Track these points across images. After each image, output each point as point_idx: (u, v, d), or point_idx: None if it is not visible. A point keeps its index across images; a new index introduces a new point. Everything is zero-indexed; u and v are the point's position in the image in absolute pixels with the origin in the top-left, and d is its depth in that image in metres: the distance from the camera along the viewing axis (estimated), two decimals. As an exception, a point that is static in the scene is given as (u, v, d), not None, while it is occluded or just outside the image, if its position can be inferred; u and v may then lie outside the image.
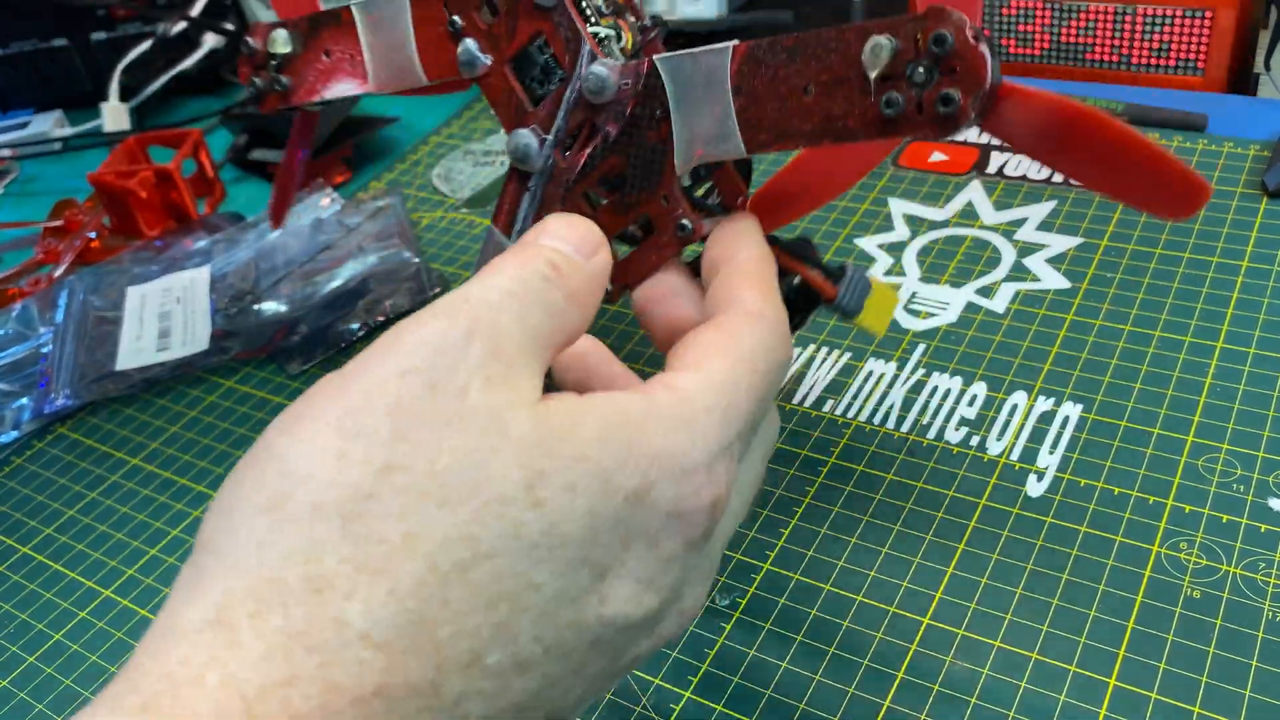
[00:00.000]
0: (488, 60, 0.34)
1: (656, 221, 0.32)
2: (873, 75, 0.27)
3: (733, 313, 0.28)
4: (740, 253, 0.30)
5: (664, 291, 0.32)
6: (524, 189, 0.34)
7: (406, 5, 0.35)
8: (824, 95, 0.28)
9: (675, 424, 0.24)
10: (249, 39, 0.40)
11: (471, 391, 0.22)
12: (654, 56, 0.31)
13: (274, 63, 0.39)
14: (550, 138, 0.33)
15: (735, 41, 0.30)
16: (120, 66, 0.82)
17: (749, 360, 0.27)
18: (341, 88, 0.38)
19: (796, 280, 0.32)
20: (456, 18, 0.34)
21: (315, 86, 0.39)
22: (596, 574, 0.22)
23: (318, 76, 0.38)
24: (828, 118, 0.28)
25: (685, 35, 0.79)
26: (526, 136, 0.33)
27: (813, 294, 0.32)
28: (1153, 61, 0.68)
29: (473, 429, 0.21)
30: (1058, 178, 0.59)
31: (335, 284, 0.58)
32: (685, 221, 0.32)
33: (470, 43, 0.34)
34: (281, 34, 0.39)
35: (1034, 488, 0.42)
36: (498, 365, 0.22)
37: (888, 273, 0.54)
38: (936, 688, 0.35)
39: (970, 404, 0.46)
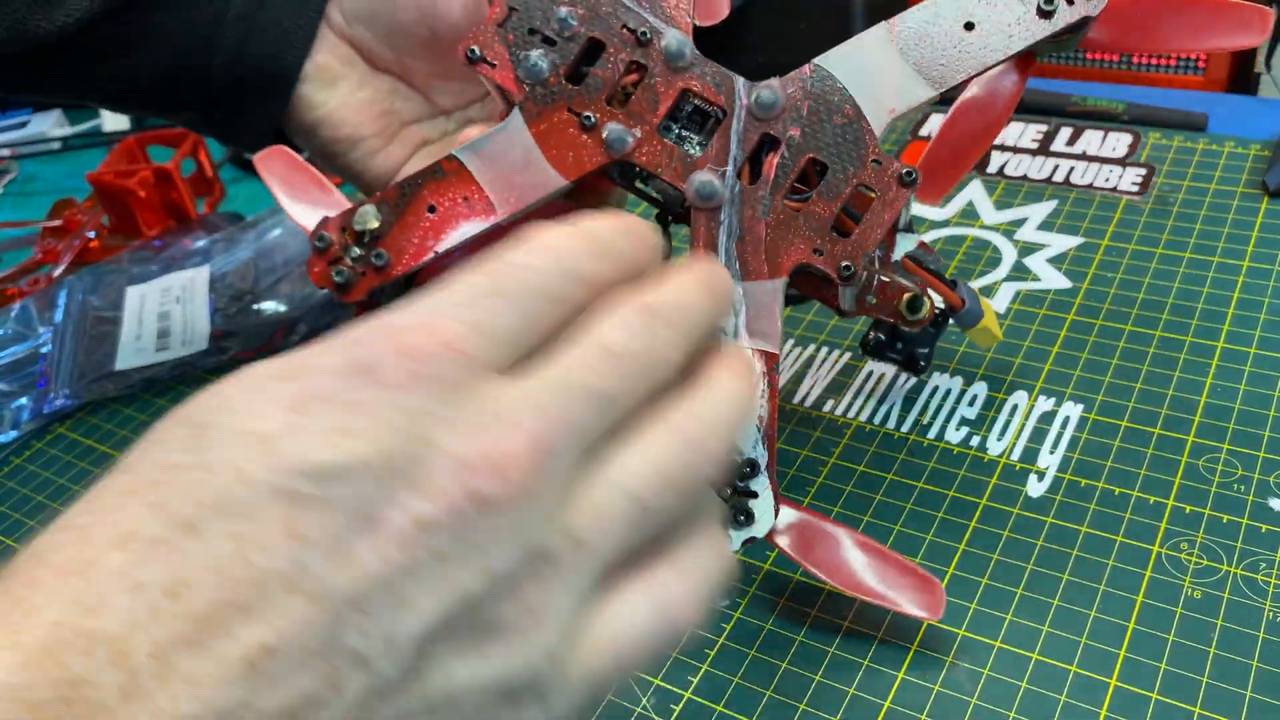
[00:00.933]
0: (636, 134, 0.35)
1: (875, 184, 0.35)
2: None
3: None
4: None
5: None
6: (715, 224, 0.35)
7: (524, 127, 0.36)
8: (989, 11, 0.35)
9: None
10: (323, 233, 0.37)
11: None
12: (813, 61, 0.35)
13: (365, 242, 0.37)
14: (730, 168, 0.35)
15: (885, 23, 0.36)
16: (120, 66, 0.82)
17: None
18: (463, 231, 0.36)
19: (927, 293, 0.37)
20: (589, 113, 0.35)
21: (424, 244, 0.36)
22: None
23: (425, 234, 0.36)
24: (995, 31, 0.35)
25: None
26: (704, 177, 0.35)
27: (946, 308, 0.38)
28: (1153, 61, 0.68)
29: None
30: (1058, 177, 0.59)
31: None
32: (906, 169, 0.35)
33: (615, 126, 0.35)
34: (369, 210, 0.37)
35: (1034, 488, 0.42)
36: None
37: (888, 272, 0.54)
38: (936, 688, 0.35)
39: (971, 404, 0.46)
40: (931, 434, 0.45)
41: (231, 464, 0.20)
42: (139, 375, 0.55)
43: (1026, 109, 0.65)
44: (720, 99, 0.35)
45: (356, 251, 0.37)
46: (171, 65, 0.42)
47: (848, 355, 0.50)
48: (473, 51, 0.36)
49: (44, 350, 0.57)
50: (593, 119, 0.35)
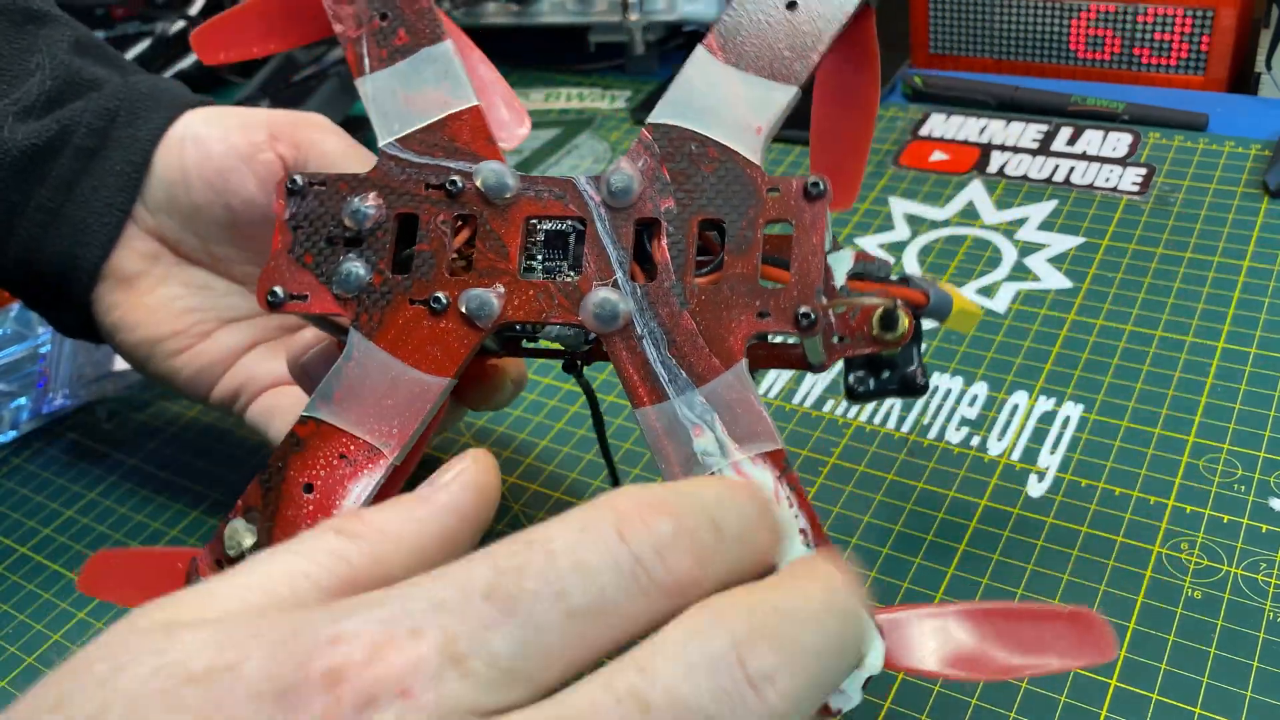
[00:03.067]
0: (500, 290, 0.30)
1: (785, 213, 0.30)
2: None
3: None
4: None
5: None
6: (634, 344, 0.29)
7: (370, 345, 0.30)
8: None
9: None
10: (197, 579, 0.30)
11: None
12: (646, 123, 0.31)
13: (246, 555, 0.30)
14: (619, 275, 0.29)
15: (700, 44, 0.31)
16: (119, 66, 0.82)
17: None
18: (357, 494, 0.30)
19: (896, 303, 0.30)
20: (437, 294, 0.30)
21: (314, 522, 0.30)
22: None
23: (314, 519, 0.30)
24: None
25: (686, 34, 0.79)
26: (598, 296, 0.29)
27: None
28: (1153, 61, 0.68)
29: None
30: (1059, 177, 0.59)
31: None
32: (811, 181, 0.29)
33: (473, 293, 0.30)
34: (238, 525, 0.30)
35: (1035, 488, 0.42)
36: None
37: (888, 272, 0.54)
38: (936, 688, 0.35)
39: (971, 404, 0.46)
40: (931, 434, 0.45)
41: None
42: (138, 375, 0.55)
43: (1026, 109, 0.65)
44: (570, 209, 0.30)
45: None
46: None
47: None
48: (274, 294, 0.31)
49: (43, 350, 0.57)
50: (443, 299, 0.30)
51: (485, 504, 0.23)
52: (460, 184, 0.31)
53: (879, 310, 0.30)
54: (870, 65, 0.33)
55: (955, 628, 0.26)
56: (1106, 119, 0.63)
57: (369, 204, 0.31)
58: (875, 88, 0.33)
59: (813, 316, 0.28)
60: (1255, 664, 0.34)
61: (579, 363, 0.35)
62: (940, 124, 0.66)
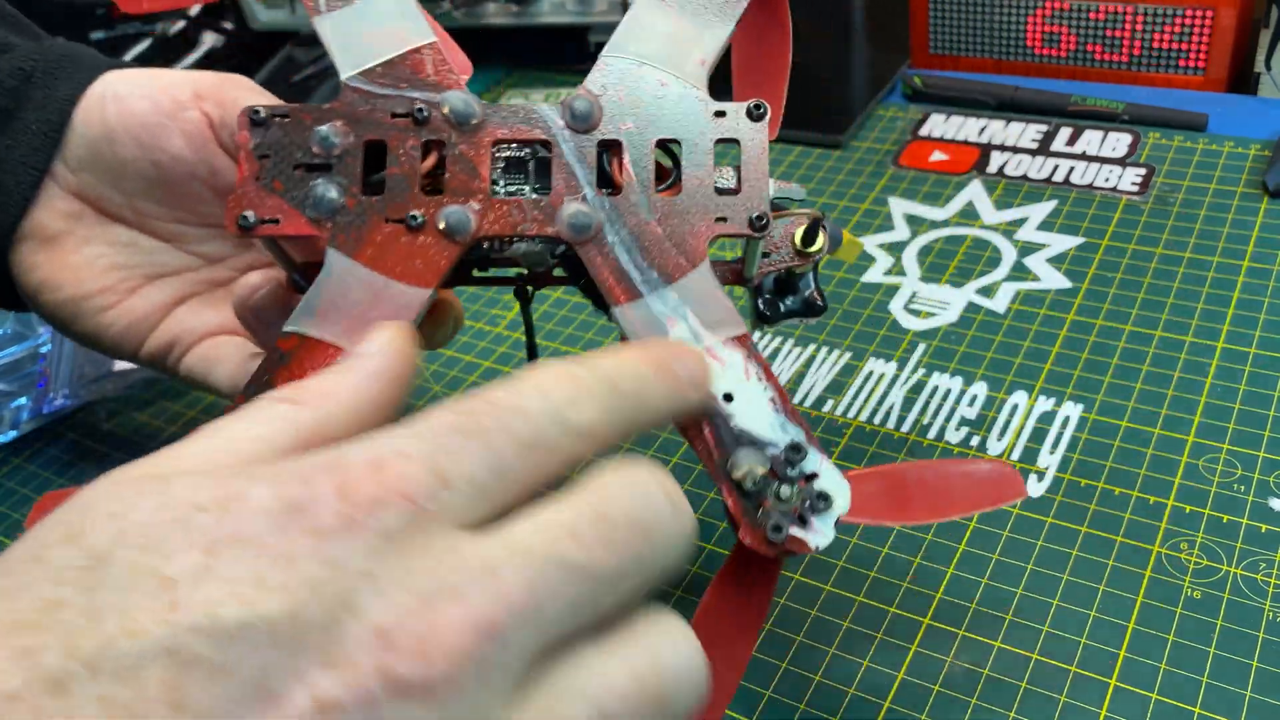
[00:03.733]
0: (475, 207, 0.32)
1: (732, 133, 0.33)
2: None
3: None
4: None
5: None
6: (607, 250, 0.32)
7: (350, 261, 0.31)
8: None
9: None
10: None
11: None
12: (601, 56, 0.33)
13: None
14: (588, 190, 0.32)
15: None
16: (119, 66, 0.82)
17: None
18: None
19: (819, 220, 0.35)
20: (416, 212, 0.31)
21: None
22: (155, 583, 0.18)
23: None
24: None
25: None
26: (571, 208, 0.31)
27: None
28: (1153, 61, 0.68)
29: None
30: (1058, 177, 0.59)
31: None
32: (754, 103, 0.32)
33: (450, 209, 0.31)
34: None
35: (1034, 488, 0.42)
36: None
37: (888, 272, 0.54)
38: (936, 688, 0.35)
39: (971, 404, 0.46)
40: (931, 434, 0.45)
41: (123, 611, 0.17)
42: (139, 375, 0.55)
43: (1026, 109, 0.65)
44: (535, 133, 0.32)
45: None
46: None
47: (848, 355, 0.50)
48: (245, 219, 0.31)
49: (44, 350, 0.57)
50: (419, 216, 0.31)
51: (409, 368, 0.25)
52: (427, 112, 0.32)
53: (802, 226, 0.35)
54: (780, 6, 0.36)
55: (894, 480, 0.32)
56: (1106, 119, 0.63)
57: (336, 134, 0.32)
58: (787, 24, 0.36)
59: (764, 219, 0.32)
60: (1255, 664, 0.34)
61: (530, 288, 0.37)
62: (940, 124, 0.66)
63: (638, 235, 0.32)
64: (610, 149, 0.32)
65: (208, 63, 0.86)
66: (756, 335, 0.51)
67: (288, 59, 0.77)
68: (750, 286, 0.37)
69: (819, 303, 0.40)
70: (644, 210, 0.32)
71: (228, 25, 0.86)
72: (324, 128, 0.32)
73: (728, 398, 0.31)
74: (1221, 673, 0.34)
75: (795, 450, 0.31)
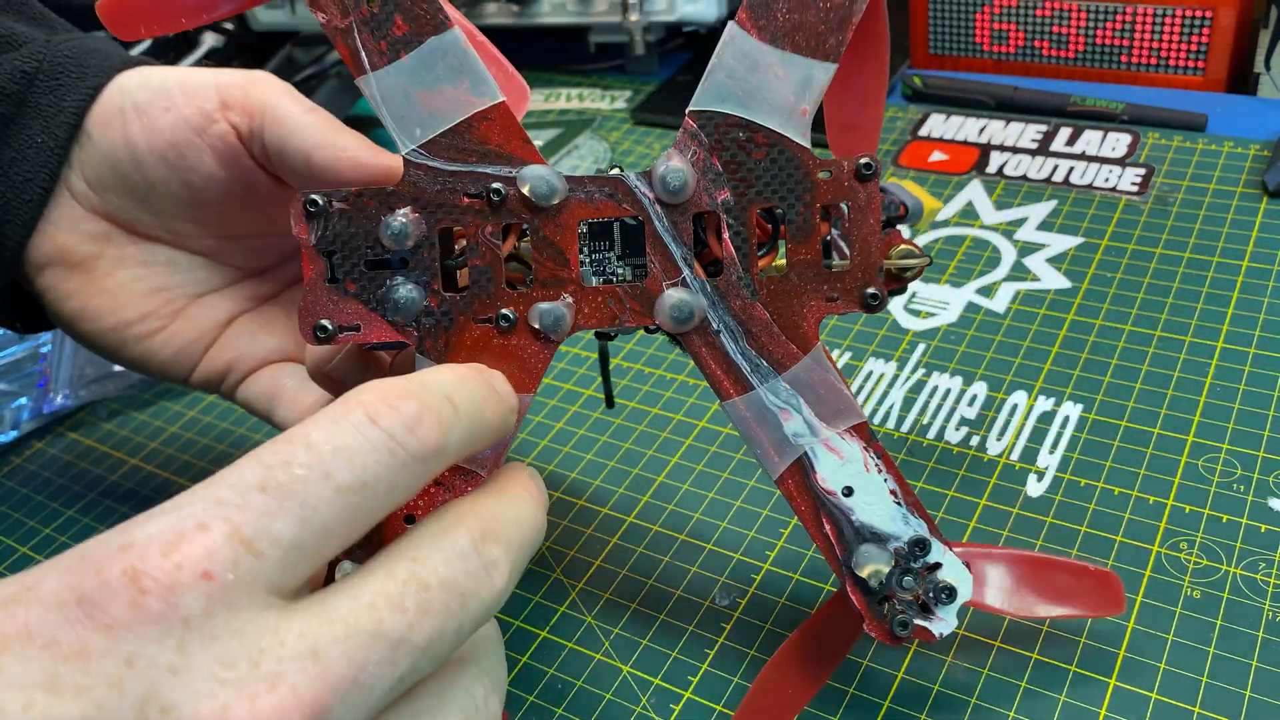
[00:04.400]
0: (569, 300, 0.30)
1: (840, 196, 0.30)
2: None
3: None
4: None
5: None
6: (712, 338, 0.30)
7: (429, 364, 0.29)
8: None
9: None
10: None
11: None
12: (689, 110, 0.30)
13: None
14: (686, 273, 0.30)
15: (730, 23, 0.30)
16: (119, 66, 0.82)
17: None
18: None
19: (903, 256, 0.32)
20: (507, 311, 0.29)
21: None
22: None
23: None
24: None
25: (686, 34, 0.79)
26: (672, 298, 0.29)
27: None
28: (1152, 61, 0.68)
29: None
30: (1058, 177, 0.59)
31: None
32: (863, 162, 0.30)
33: (543, 306, 0.29)
34: (345, 567, 0.29)
35: (1034, 488, 0.42)
36: None
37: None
38: (936, 688, 0.35)
39: (970, 404, 0.46)
40: (931, 434, 0.45)
41: None
42: (139, 375, 0.55)
43: (1026, 109, 0.65)
44: (625, 209, 0.30)
45: None
46: None
47: (848, 355, 0.50)
48: (324, 328, 0.29)
49: (44, 350, 0.57)
50: (510, 315, 0.29)
51: None
52: (504, 191, 0.29)
53: (896, 259, 0.31)
54: (879, 20, 0.32)
55: (1005, 570, 0.33)
56: (1106, 119, 0.63)
57: (407, 222, 0.29)
58: (885, 40, 0.33)
59: (879, 296, 0.30)
60: (1254, 663, 0.34)
61: (613, 333, 0.35)
62: (940, 124, 0.66)
63: (742, 320, 0.30)
64: (709, 221, 0.30)
65: (208, 63, 0.86)
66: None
67: (288, 59, 0.77)
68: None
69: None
70: (748, 291, 0.30)
71: (228, 25, 0.86)
72: (394, 219, 0.29)
73: (848, 491, 0.30)
74: (1221, 673, 0.34)
75: (920, 546, 0.30)
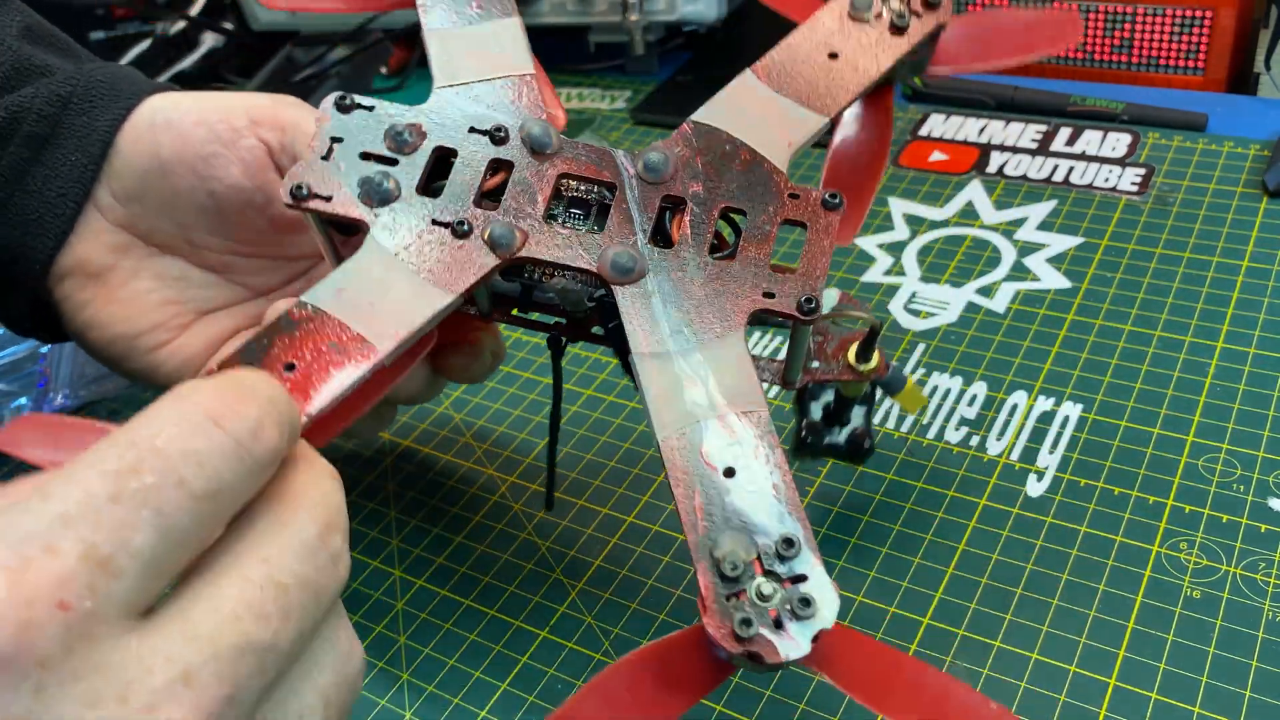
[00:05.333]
0: (523, 227, 0.32)
1: (801, 216, 0.32)
2: None
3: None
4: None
5: None
6: (645, 297, 0.31)
7: (387, 249, 0.31)
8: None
9: None
10: None
11: None
12: (689, 119, 0.33)
13: None
14: (640, 237, 0.31)
15: (748, 69, 0.35)
16: (119, 66, 0.82)
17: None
18: (339, 381, 0.29)
19: (875, 333, 0.36)
20: (466, 220, 0.32)
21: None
22: None
23: (289, 391, 0.28)
24: (859, 54, 0.36)
25: (686, 34, 0.79)
26: (618, 249, 0.31)
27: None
28: (1153, 61, 0.68)
29: None
30: (1058, 177, 0.59)
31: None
32: (829, 193, 0.32)
33: (498, 223, 0.31)
34: None
35: (1034, 488, 0.42)
36: None
37: (887, 272, 0.54)
38: (936, 688, 0.35)
39: (970, 404, 0.46)
40: (931, 434, 0.45)
41: None
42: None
43: (1026, 109, 0.65)
44: (603, 174, 0.32)
45: None
46: None
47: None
48: (299, 189, 0.32)
49: (44, 350, 0.57)
50: (468, 224, 0.31)
51: None
52: (505, 133, 0.33)
53: (856, 342, 0.35)
54: (883, 127, 0.37)
55: (891, 676, 0.27)
56: (1106, 119, 0.63)
57: (412, 132, 0.33)
58: (885, 146, 0.37)
59: (814, 304, 0.30)
60: (1254, 663, 0.34)
61: (564, 339, 0.37)
62: (939, 124, 0.66)
63: (679, 290, 0.31)
64: (676, 208, 0.32)
65: (208, 63, 0.86)
66: (755, 336, 0.51)
67: (288, 59, 0.77)
68: (793, 389, 0.36)
69: (865, 445, 0.40)
70: (692, 269, 0.31)
71: (228, 25, 0.86)
72: (401, 124, 0.33)
73: (729, 472, 0.28)
74: (1221, 673, 0.34)
75: (788, 544, 0.27)
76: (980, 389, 0.47)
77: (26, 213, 0.37)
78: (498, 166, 0.33)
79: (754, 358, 0.32)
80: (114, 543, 0.17)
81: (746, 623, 0.26)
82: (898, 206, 0.59)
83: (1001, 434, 0.44)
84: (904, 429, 0.45)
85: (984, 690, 0.35)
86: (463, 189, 0.32)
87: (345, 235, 0.35)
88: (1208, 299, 0.49)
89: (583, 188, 0.33)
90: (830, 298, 0.36)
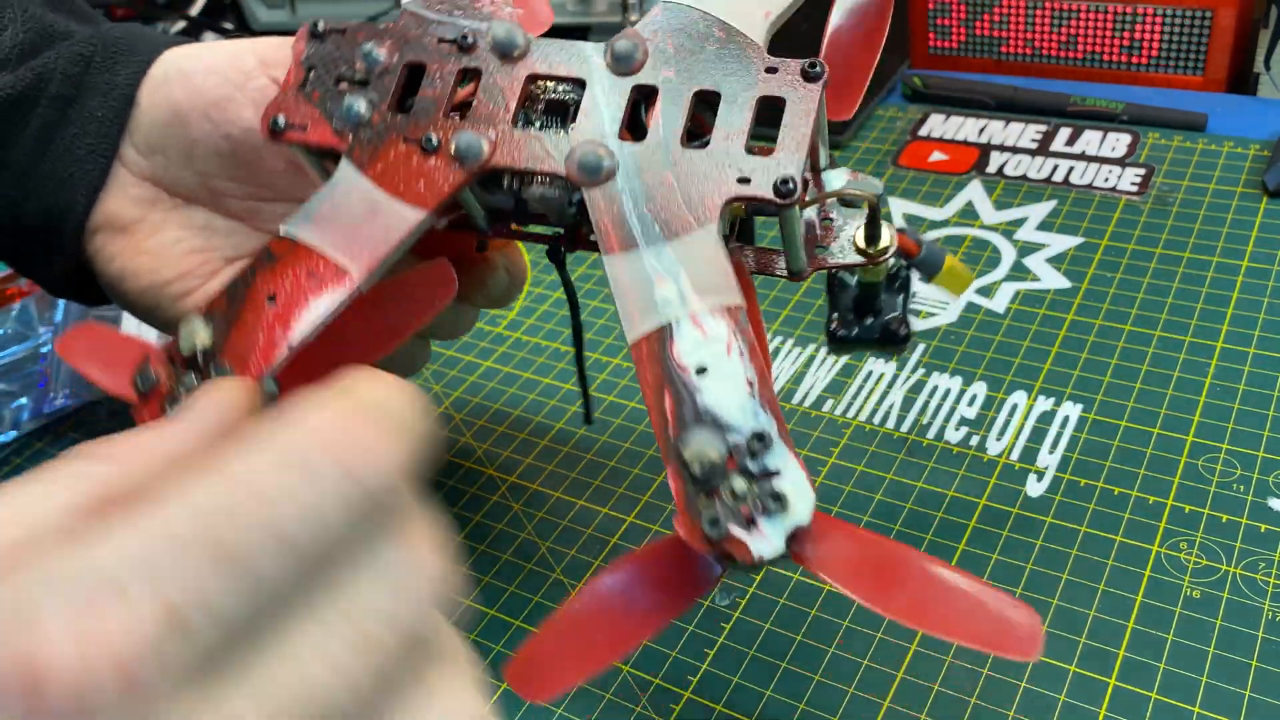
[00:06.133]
0: (491, 136, 0.31)
1: (779, 91, 0.30)
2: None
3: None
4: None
5: None
6: (614, 196, 0.30)
7: (358, 173, 0.31)
8: None
9: None
10: (145, 371, 0.30)
11: None
12: (660, 1, 0.32)
13: (201, 362, 0.30)
14: (610, 133, 0.30)
15: None
16: (119, 66, 0.82)
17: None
18: (319, 309, 0.30)
19: (879, 214, 0.33)
20: (430, 134, 0.31)
21: (274, 340, 0.30)
22: None
23: (272, 328, 0.30)
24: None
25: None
26: (586, 149, 0.30)
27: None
28: (1152, 61, 0.68)
29: None
30: (1058, 177, 0.59)
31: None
32: (809, 62, 0.30)
33: (465, 134, 0.31)
34: (195, 322, 0.30)
35: (1034, 488, 0.42)
36: None
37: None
38: (936, 688, 0.35)
39: (970, 404, 0.46)
40: (931, 434, 0.45)
41: None
42: (139, 375, 0.55)
43: (1026, 109, 0.65)
44: (574, 71, 0.31)
45: (193, 378, 0.30)
46: None
47: (848, 355, 0.50)
48: (276, 122, 0.32)
49: (44, 350, 0.57)
50: (435, 138, 0.31)
51: (235, 420, 0.21)
52: (472, 39, 0.32)
53: (862, 221, 0.32)
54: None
55: (885, 563, 0.27)
56: (1105, 119, 0.63)
57: (381, 53, 0.32)
58: (885, 17, 0.34)
59: (792, 185, 0.28)
60: (1254, 663, 0.34)
61: (562, 250, 0.35)
62: (939, 124, 0.66)
63: (650, 186, 0.29)
64: (648, 95, 0.31)
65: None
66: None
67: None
68: (801, 280, 0.34)
69: (901, 331, 0.37)
70: (664, 162, 0.29)
71: (228, 25, 0.86)
72: (370, 45, 0.32)
73: (701, 370, 0.27)
74: (1221, 672, 0.34)
75: (759, 439, 0.26)
76: (980, 389, 0.47)
77: (58, 173, 0.38)
78: (468, 75, 0.32)
79: (739, 247, 0.31)
80: (193, 599, 0.15)
81: (714, 522, 0.25)
82: (898, 206, 0.59)
83: (1001, 434, 0.44)
84: (904, 429, 0.45)
85: (983, 690, 0.35)
86: (432, 104, 0.31)
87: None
88: (1208, 299, 0.49)
89: (558, 88, 0.31)
90: (837, 178, 0.34)
